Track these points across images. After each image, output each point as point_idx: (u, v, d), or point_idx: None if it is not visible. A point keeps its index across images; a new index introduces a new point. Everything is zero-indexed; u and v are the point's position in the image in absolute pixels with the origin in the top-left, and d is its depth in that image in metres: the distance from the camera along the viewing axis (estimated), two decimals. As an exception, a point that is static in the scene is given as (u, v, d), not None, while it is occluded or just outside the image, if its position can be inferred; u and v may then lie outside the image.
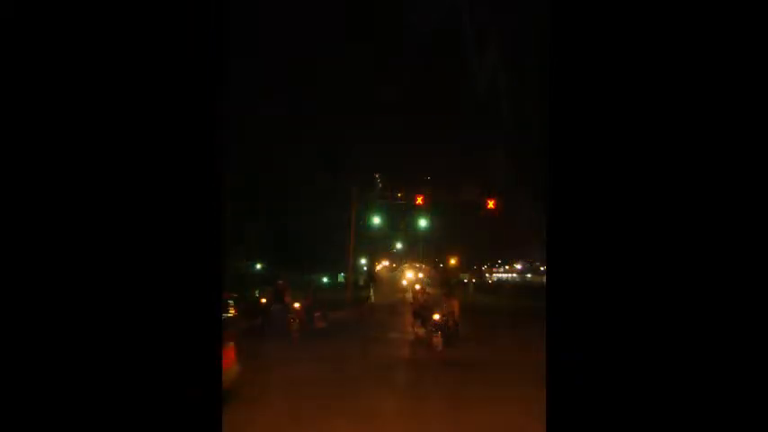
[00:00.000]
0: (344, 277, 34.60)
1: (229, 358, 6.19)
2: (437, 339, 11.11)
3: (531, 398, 4.93)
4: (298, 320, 13.44)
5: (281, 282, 14.85)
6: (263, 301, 14.43)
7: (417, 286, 23.15)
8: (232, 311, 14.05)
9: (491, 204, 23.46)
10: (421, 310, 13.95)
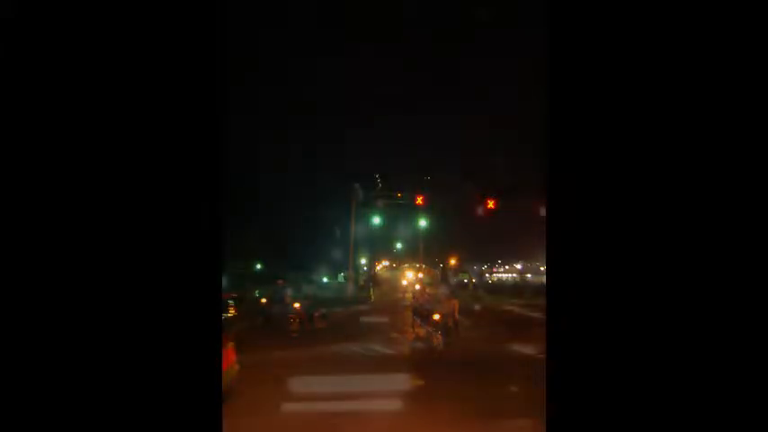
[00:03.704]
0: (344, 277, 34.61)
1: (229, 358, 6.18)
2: (437, 339, 11.12)
3: (527, 396, 4.94)
4: (298, 320, 13.45)
5: (281, 281, 14.84)
6: (263, 301, 14.43)
7: (417, 286, 23.15)
8: (232, 311, 14.07)
9: (491, 204, 23.48)
10: (421, 310, 13.97)
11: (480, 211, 23.01)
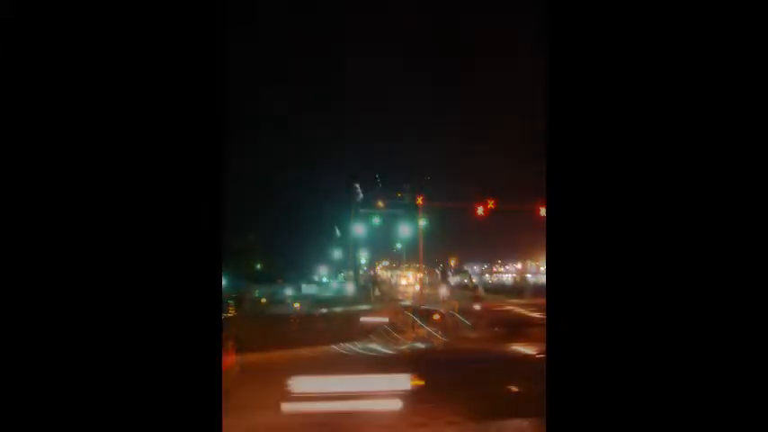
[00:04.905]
0: (344, 277, 34.67)
1: (229, 358, 6.19)
2: (437, 339, 11.13)
3: (527, 396, 4.94)
4: (298, 320, 13.47)
5: (280, 281, 14.86)
6: (263, 301, 14.46)
7: (417, 286, 23.17)
8: (232, 311, 14.10)
9: (491, 204, 23.49)
10: (421, 310, 13.99)
11: (480, 211, 23.01)
